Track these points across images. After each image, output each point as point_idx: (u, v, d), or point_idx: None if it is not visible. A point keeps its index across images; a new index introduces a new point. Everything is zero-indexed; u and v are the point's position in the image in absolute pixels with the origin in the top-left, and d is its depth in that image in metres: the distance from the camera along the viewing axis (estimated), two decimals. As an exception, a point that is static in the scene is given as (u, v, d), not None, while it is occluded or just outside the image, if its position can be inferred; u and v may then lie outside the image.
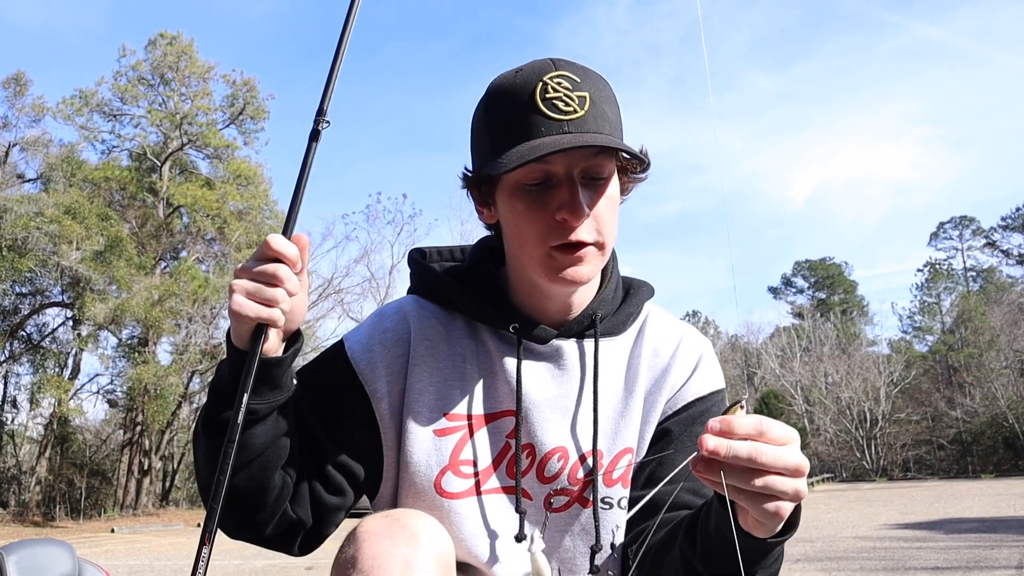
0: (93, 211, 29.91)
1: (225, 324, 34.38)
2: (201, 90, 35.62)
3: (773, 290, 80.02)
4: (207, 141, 35.21)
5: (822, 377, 59.32)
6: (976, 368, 53.01)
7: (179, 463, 37.16)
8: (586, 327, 1.24)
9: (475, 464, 1.19)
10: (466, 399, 1.20)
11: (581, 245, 1.12)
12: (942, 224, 71.55)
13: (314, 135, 1.13)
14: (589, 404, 1.21)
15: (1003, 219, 67.89)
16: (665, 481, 1.12)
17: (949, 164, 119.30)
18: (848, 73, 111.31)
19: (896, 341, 66.13)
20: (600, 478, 1.20)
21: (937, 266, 69.70)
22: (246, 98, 36.09)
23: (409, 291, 1.33)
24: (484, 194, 1.21)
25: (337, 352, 1.23)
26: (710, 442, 0.83)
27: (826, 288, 75.04)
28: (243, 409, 1.01)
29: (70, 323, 33.02)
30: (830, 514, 21.01)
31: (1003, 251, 68.10)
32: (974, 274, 69.95)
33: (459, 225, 35.05)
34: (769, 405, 56.90)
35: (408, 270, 1.34)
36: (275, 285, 1.02)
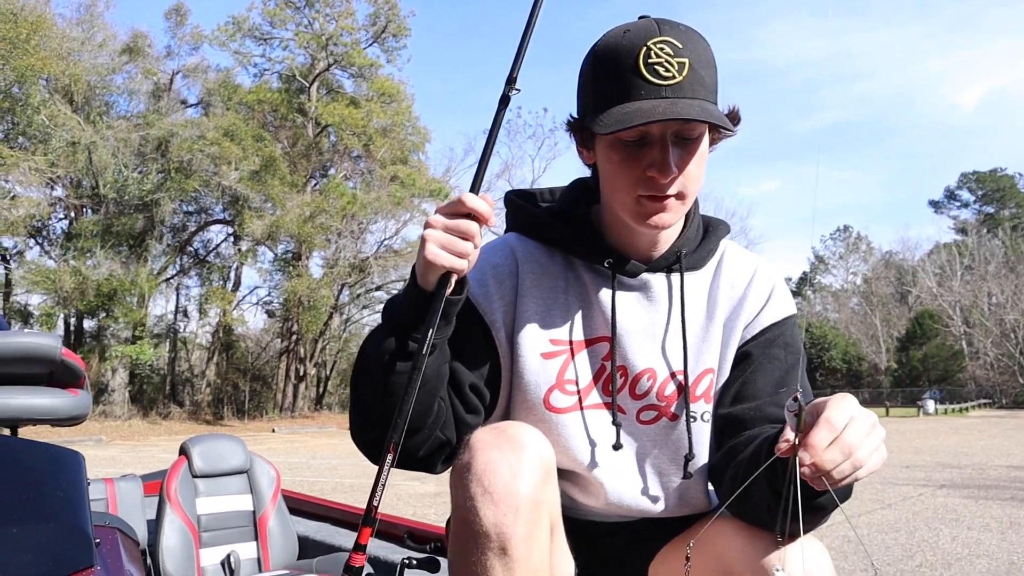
0: (248, 133, 31.47)
1: (372, 239, 35.59)
2: (344, 10, 36.28)
3: (934, 204, 75.04)
4: (352, 60, 36.02)
5: (985, 297, 55.66)
6: None
7: (331, 370, 39.53)
8: (672, 263, 1.39)
9: (577, 383, 1.36)
10: (567, 326, 1.38)
11: (667, 196, 1.25)
12: None
13: (504, 100, 1.26)
14: (676, 330, 1.38)
15: None
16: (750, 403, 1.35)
17: None
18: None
19: (1073, 260, 60.83)
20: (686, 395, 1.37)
21: None
22: (388, 16, 36.50)
23: (507, 230, 1.48)
24: (585, 139, 1.35)
25: None
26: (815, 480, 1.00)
27: (995, 202, 69.63)
28: (429, 342, 1.17)
29: (231, 239, 35.36)
30: (983, 441, 20.00)
31: None
32: None
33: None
34: (923, 326, 54.05)
35: (504, 211, 1.50)
36: (467, 239, 1.16)
